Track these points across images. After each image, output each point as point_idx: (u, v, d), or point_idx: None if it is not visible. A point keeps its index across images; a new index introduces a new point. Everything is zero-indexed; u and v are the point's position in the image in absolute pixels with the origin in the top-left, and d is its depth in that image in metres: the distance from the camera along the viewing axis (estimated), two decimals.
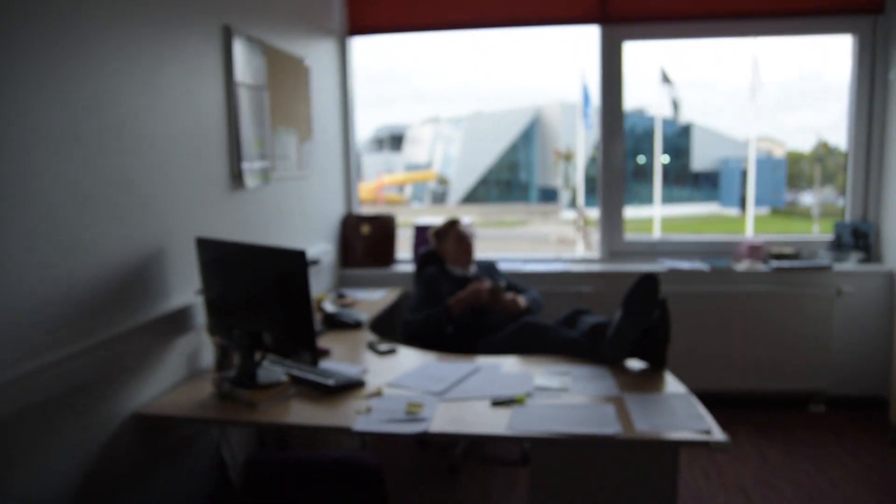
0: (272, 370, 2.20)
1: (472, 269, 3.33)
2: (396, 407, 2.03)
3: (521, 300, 3.18)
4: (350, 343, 2.77)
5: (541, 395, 2.11)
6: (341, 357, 2.59)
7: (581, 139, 12.21)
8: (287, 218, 3.25)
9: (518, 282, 3.50)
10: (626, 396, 2.07)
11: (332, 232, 3.97)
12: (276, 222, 3.11)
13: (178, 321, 2.26)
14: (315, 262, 3.44)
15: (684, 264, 3.77)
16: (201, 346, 2.42)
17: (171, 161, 2.26)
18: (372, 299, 3.62)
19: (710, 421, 1.86)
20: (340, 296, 3.58)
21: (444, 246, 3.35)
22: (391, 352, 2.63)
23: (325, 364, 2.46)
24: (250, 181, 2.76)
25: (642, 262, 3.90)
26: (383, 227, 4.07)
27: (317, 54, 3.65)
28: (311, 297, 1.96)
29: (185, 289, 2.31)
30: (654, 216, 8.91)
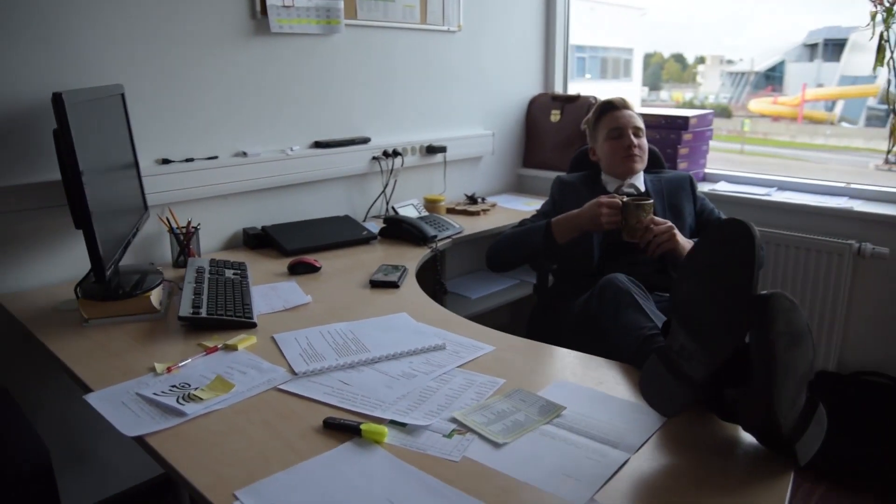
0: (153, 276, 1.57)
1: (636, 183, 2.02)
2: (203, 377, 1.20)
3: (686, 244, 1.79)
4: (372, 261, 1.92)
5: (436, 438, 1.01)
6: (325, 278, 1.79)
7: None
8: (395, 86, 2.43)
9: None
10: None
11: (511, 118, 2.97)
12: (365, 89, 2.33)
13: None
14: (439, 150, 2.56)
15: None
16: (162, 232, 1.90)
17: None
18: (520, 209, 2.61)
19: None
20: (473, 200, 2.65)
21: (595, 143, 2.09)
22: (389, 285, 1.71)
23: (277, 285, 1.72)
24: (280, 24, 2.02)
25: None
26: (579, 115, 2.88)
27: None
28: (79, 173, 1.22)
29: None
30: None
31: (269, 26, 2.00)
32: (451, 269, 2.70)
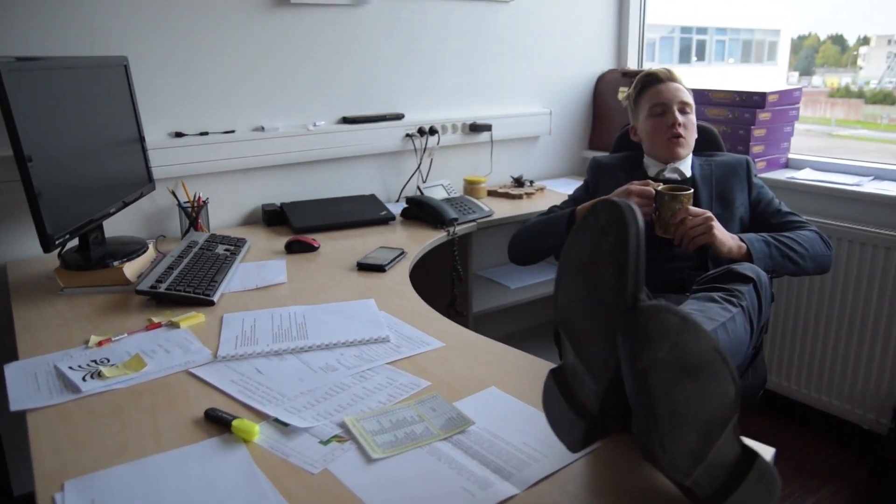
0: (144, 248, 1.57)
1: (682, 168, 1.76)
2: (128, 353, 1.16)
3: (726, 238, 1.52)
4: (380, 243, 1.81)
5: (310, 444, 0.89)
6: (319, 258, 1.71)
7: None
8: (434, 61, 2.30)
9: (797, 208, 1.74)
10: None
11: (574, 96, 2.73)
12: (399, 64, 2.21)
13: None
14: (484, 128, 2.40)
15: None
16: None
17: None
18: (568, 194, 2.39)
19: None
20: (520, 182, 2.46)
21: (637, 121, 1.85)
22: (375, 269, 1.60)
23: (266, 263, 1.66)
24: None
25: None
26: None
27: None
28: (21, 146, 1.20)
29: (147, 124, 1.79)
30: None
31: None
32: (494, 256, 2.54)
